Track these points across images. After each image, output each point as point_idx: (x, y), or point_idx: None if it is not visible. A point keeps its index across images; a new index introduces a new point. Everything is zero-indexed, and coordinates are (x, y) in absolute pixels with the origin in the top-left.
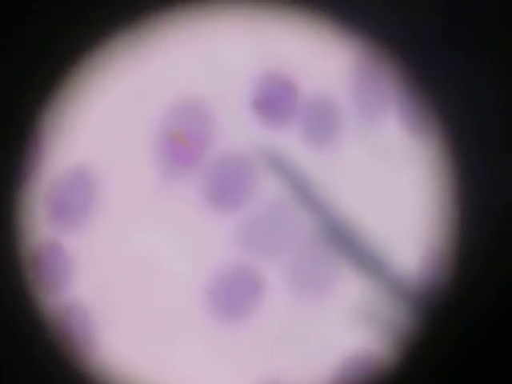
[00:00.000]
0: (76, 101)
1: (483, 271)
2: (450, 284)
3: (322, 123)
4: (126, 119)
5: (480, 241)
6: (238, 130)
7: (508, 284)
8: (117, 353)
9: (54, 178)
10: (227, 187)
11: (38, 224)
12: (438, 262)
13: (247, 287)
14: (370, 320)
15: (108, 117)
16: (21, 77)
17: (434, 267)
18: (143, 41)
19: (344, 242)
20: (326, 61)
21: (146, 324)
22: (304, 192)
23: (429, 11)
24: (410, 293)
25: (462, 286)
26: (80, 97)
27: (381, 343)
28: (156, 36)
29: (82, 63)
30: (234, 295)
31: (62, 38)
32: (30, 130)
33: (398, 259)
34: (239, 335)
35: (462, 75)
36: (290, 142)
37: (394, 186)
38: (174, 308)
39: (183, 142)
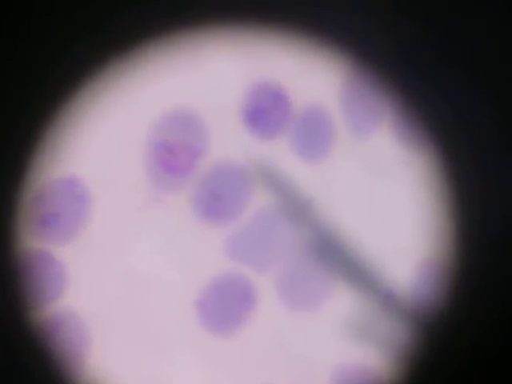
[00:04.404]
0: (72, 116)
1: (483, 285)
2: (447, 299)
3: (314, 135)
4: (118, 131)
5: (478, 253)
6: (230, 142)
7: (509, 298)
8: (108, 366)
9: (47, 188)
10: (219, 199)
11: (30, 235)
12: (434, 276)
13: (239, 299)
14: (363, 335)
15: (101, 128)
16: (21, 93)
17: (430, 281)
18: (138, 61)
19: (337, 254)
20: (317, 73)
21: (138, 336)
22: (296, 204)
23: (416, 25)
24: (404, 308)
25: (461, 300)
26: (76, 112)
27: (375, 359)
28: (150, 55)
29: (79, 83)
30: (226, 307)
31: (60, 59)
32: (23, 143)
33: (391, 273)
34: (231, 347)
35: (452, 86)
36: (282, 154)
37: (388, 199)
38: (166, 320)
39: (175, 154)
